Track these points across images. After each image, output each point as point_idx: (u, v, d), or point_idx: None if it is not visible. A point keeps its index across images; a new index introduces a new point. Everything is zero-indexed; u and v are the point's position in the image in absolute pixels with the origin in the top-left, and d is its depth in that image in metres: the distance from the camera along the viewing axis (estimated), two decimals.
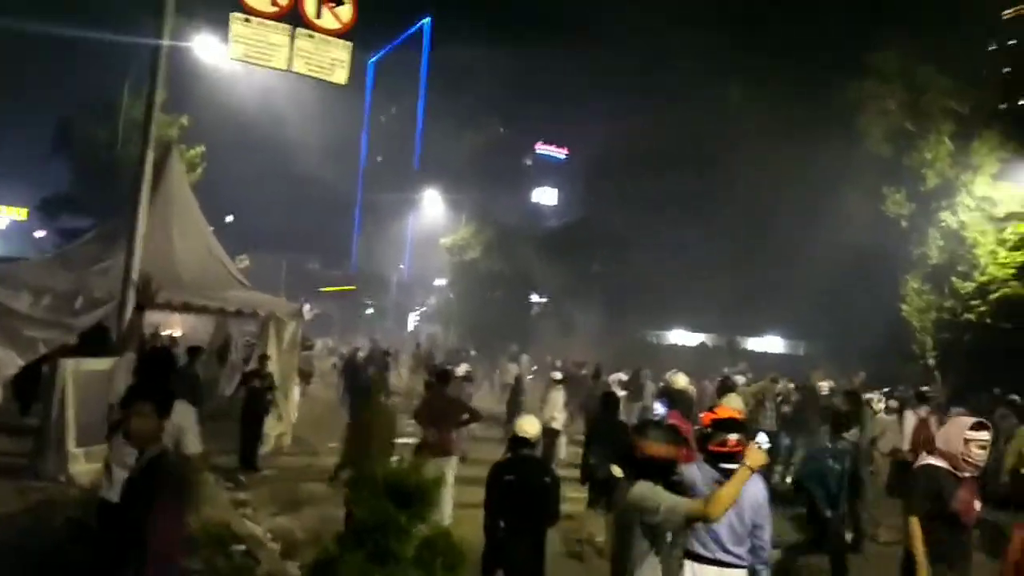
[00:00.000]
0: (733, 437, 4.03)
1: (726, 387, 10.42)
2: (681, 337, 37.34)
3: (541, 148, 70.18)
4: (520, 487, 4.10)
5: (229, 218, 59.90)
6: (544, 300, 40.53)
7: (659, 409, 9.29)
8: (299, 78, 11.21)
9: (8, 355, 8.56)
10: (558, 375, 12.40)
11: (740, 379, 13.37)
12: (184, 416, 4.18)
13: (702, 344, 34.62)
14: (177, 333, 19.08)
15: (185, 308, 10.87)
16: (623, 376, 14.66)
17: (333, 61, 9.02)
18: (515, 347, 30.96)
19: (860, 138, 20.32)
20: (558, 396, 11.27)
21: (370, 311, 54.05)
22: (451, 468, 7.77)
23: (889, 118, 19.55)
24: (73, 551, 4.95)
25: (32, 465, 7.83)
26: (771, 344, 33.77)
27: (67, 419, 7.38)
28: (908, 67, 19.10)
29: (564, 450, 11.86)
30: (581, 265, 36.54)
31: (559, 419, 11.08)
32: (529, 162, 70.33)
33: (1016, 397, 12.14)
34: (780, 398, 12.01)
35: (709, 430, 4.15)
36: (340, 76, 10.89)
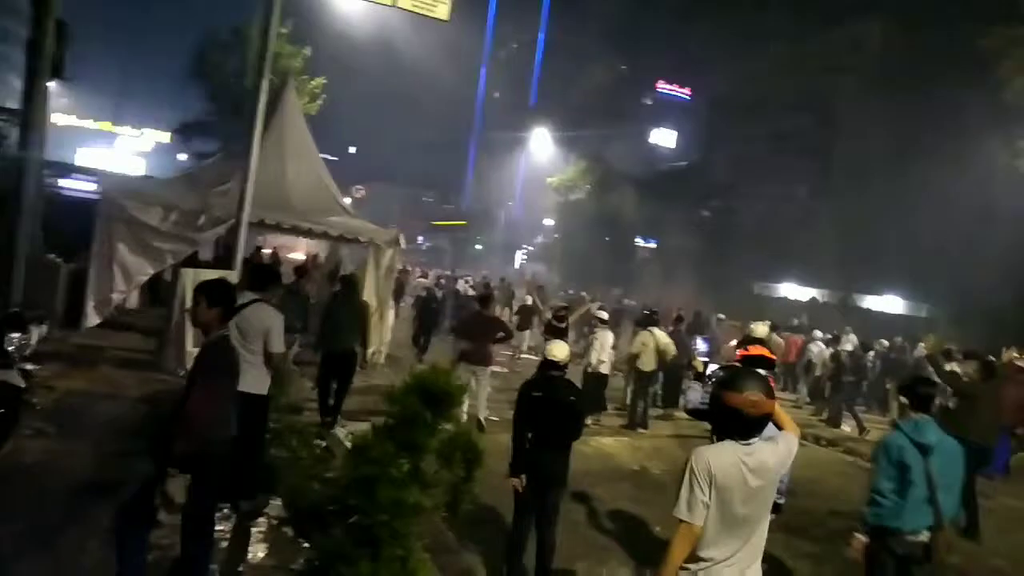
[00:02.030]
0: (760, 372, 4.33)
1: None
2: (791, 291, 35.98)
3: (662, 87, 67.26)
4: (546, 403, 4.48)
5: (352, 149, 62.42)
6: (650, 244, 40.05)
7: (700, 346, 9.54)
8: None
9: (139, 263, 9.72)
10: (604, 315, 11.11)
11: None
12: (272, 319, 4.93)
13: (813, 299, 33.27)
14: (300, 256, 20.68)
15: (293, 230, 11.79)
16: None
17: None
18: (617, 290, 31.10)
19: (997, 87, 18.49)
20: (605, 338, 10.10)
21: (479, 247, 55.32)
22: (485, 377, 8.92)
23: None
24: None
25: (156, 360, 9.11)
26: (890, 303, 31.95)
27: (186, 321, 8.41)
28: None
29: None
30: (690, 211, 35.73)
31: (607, 363, 9.99)
32: (649, 101, 67.95)
33: None
34: None
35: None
36: (442, 12, 11.23)
